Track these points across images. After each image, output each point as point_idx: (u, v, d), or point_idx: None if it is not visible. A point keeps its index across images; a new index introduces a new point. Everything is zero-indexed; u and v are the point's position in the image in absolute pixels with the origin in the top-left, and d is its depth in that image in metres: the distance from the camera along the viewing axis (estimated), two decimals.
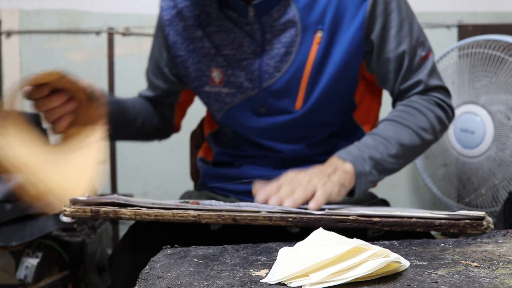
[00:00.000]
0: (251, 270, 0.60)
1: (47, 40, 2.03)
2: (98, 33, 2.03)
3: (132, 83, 2.00)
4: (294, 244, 0.62)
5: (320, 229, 0.64)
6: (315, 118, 1.10)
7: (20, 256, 1.52)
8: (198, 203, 0.86)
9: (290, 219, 0.74)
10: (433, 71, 1.11)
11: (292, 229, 0.78)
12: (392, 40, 1.06)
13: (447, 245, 0.70)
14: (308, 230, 0.73)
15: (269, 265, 0.62)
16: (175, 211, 0.74)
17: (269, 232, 0.79)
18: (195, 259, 0.65)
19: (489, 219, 0.74)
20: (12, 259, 1.55)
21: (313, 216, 0.74)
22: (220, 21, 1.10)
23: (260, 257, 0.66)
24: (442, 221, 0.73)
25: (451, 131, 1.70)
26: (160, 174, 2.12)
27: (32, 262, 1.49)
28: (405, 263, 0.59)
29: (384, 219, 0.73)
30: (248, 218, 0.74)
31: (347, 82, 1.09)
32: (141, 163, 2.10)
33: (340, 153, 1.01)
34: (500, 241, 0.71)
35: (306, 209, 0.82)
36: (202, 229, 0.83)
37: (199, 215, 0.74)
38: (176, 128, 1.32)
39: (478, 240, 0.72)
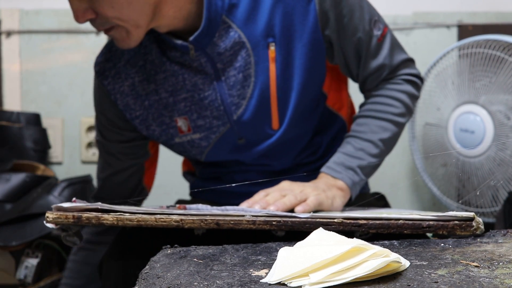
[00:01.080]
0: (251, 270, 0.60)
1: (47, 40, 2.03)
2: (98, 33, 2.03)
3: None
4: (294, 244, 0.62)
5: (320, 229, 0.64)
6: (296, 130, 1.07)
7: (20, 256, 1.52)
8: (185, 208, 0.86)
9: (274, 222, 0.73)
10: (394, 47, 1.08)
11: (277, 233, 0.77)
12: (347, 29, 1.02)
13: (447, 245, 0.70)
14: (294, 234, 0.74)
15: (269, 265, 0.62)
16: (157, 216, 0.74)
17: (256, 237, 0.78)
18: (195, 259, 0.65)
19: (479, 219, 0.72)
20: (12, 259, 1.55)
21: (298, 219, 0.73)
22: (164, 66, 1.03)
23: (260, 257, 0.66)
24: (430, 222, 0.72)
25: (451, 131, 1.70)
26: (160, 174, 2.11)
27: (32, 262, 1.49)
28: (405, 263, 0.59)
29: (370, 222, 0.72)
30: (231, 222, 0.73)
31: (316, 83, 1.06)
32: None
33: (328, 169, 1.01)
34: (500, 241, 0.70)
35: (293, 212, 0.81)
36: (191, 234, 0.83)
37: (182, 219, 0.73)
38: (148, 188, 1.24)
39: (478, 240, 0.72)
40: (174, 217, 0.74)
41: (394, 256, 0.56)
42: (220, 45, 0.99)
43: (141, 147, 1.14)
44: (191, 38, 0.97)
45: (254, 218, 0.73)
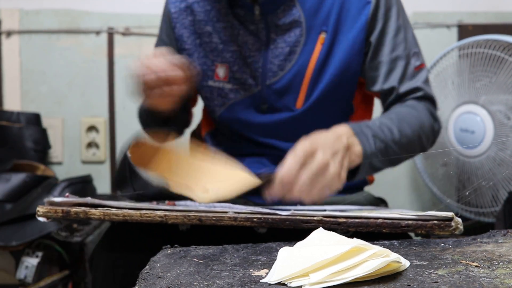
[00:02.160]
0: (251, 270, 0.60)
1: (47, 40, 2.03)
2: (98, 33, 2.03)
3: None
4: (294, 244, 0.62)
5: (320, 229, 0.64)
6: (314, 118, 1.11)
7: (20, 256, 1.52)
8: (174, 204, 0.87)
9: (255, 219, 0.74)
10: (428, 82, 1.14)
11: (259, 230, 0.78)
12: (388, 44, 1.09)
13: (447, 245, 0.70)
14: (275, 231, 0.75)
15: (269, 265, 0.62)
16: (143, 211, 0.76)
17: (256, 237, 0.79)
18: (195, 259, 0.65)
19: (458, 219, 0.72)
20: (12, 259, 1.55)
21: (278, 216, 0.74)
22: (227, 17, 1.13)
23: (260, 257, 0.66)
24: (409, 222, 0.72)
25: (451, 131, 1.70)
26: None
27: (32, 262, 1.49)
28: (405, 263, 0.59)
29: (350, 220, 0.73)
30: (214, 218, 0.75)
31: (347, 83, 1.11)
32: None
33: (354, 126, 0.97)
34: (500, 241, 0.71)
35: (276, 209, 0.81)
36: (180, 229, 0.84)
37: (165, 215, 0.75)
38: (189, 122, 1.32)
39: (478, 240, 0.72)
40: (158, 212, 0.75)
41: (394, 256, 0.56)
42: (280, 18, 1.09)
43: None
44: (261, 0, 1.07)
45: (236, 215, 0.75)
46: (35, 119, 1.92)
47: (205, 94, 1.18)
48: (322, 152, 0.87)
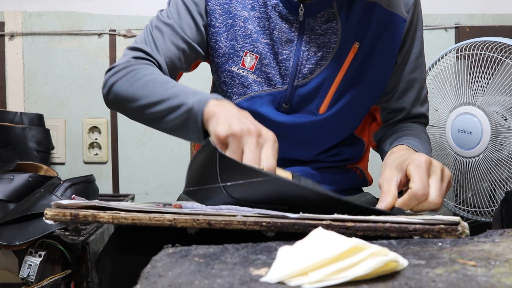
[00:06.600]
0: (251, 269, 0.60)
1: (49, 42, 2.04)
2: (100, 35, 2.04)
3: None
4: (294, 243, 0.63)
5: (320, 228, 0.65)
6: (334, 125, 1.11)
7: (23, 255, 1.52)
8: (181, 207, 0.87)
9: (264, 223, 0.74)
10: (428, 110, 1.18)
11: (267, 233, 0.78)
12: (410, 64, 1.12)
13: (444, 244, 0.69)
14: (283, 234, 0.75)
15: (269, 264, 0.62)
16: (151, 215, 0.75)
17: (257, 236, 0.80)
18: (196, 258, 0.65)
19: (464, 224, 0.72)
20: (15, 258, 1.56)
21: (287, 220, 0.74)
22: (265, 8, 1.09)
23: (260, 256, 0.66)
24: (417, 226, 0.72)
25: (449, 132, 1.70)
26: (161, 174, 2.12)
27: (35, 261, 1.49)
28: (403, 262, 0.59)
29: (358, 224, 0.73)
30: (223, 222, 0.74)
31: (373, 96, 1.12)
32: (142, 163, 2.11)
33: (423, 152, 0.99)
34: (497, 240, 0.71)
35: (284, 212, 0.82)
36: (187, 232, 0.85)
37: (174, 219, 0.75)
38: None
39: (475, 239, 0.72)
40: (168, 216, 0.75)
41: (392, 255, 0.56)
42: (318, 22, 1.08)
43: (185, 61, 1.14)
44: (307, 1, 1.06)
45: (245, 219, 0.75)
46: (38, 120, 1.93)
47: (225, 78, 1.13)
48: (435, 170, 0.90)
